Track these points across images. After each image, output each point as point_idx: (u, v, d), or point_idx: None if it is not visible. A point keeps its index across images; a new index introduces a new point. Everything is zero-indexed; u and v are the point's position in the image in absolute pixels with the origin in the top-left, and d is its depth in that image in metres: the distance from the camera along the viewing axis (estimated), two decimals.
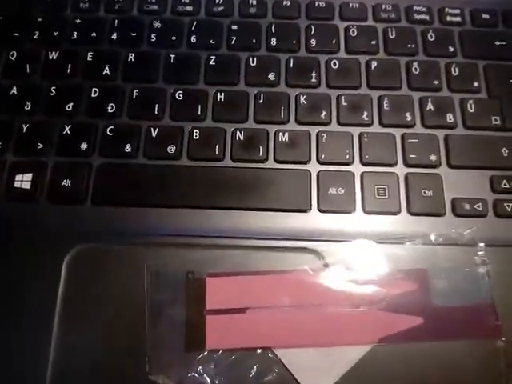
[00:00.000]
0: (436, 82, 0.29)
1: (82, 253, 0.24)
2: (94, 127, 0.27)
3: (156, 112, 0.27)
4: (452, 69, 0.29)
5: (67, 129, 0.27)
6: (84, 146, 0.26)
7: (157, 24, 0.30)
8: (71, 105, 0.27)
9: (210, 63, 0.29)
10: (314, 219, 0.26)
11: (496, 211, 0.26)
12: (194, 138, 0.27)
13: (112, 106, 0.27)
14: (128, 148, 0.26)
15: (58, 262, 0.24)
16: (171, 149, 0.27)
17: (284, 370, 0.23)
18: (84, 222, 0.25)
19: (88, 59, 0.29)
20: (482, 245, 0.25)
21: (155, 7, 0.30)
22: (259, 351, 0.23)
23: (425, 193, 0.26)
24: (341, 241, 0.25)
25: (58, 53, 0.29)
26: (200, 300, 0.24)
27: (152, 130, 0.27)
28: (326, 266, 0.25)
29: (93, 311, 0.24)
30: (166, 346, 0.23)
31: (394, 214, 0.26)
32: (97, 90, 0.28)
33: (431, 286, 0.24)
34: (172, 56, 0.29)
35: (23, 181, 0.26)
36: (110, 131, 0.27)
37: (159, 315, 0.24)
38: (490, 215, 0.26)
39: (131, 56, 0.29)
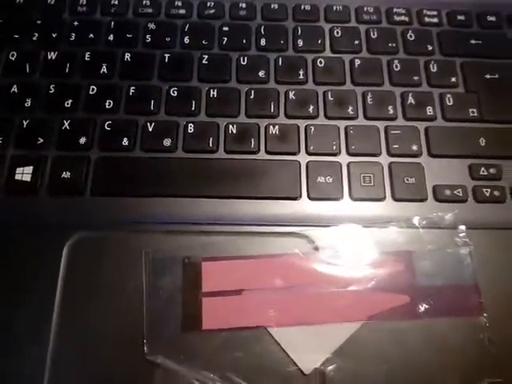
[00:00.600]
0: (416, 78, 0.31)
1: (82, 240, 0.25)
2: (93, 122, 0.28)
3: (152, 107, 0.29)
4: (431, 66, 0.31)
5: (66, 124, 0.28)
6: (83, 140, 0.28)
7: (151, 26, 0.31)
8: (70, 101, 0.29)
9: (203, 62, 0.30)
10: (304, 206, 0.27)
11: (475, 197, 0.28)
12: (189, 131, 0.28)
13: (110, 103, 0.29)
14: (125, 142, 0.28)
15: (59, 249, 0.25)
16: (167, 142, 0.28)
17: (278, 348, 0.24)
18: (83, 212, 0.26)
19: (86, 59, 0.30)
20: (463, 227, 0.26)
21: (150, 10, 0.32)
22: (253, 331, 0.24)
23: (407, 180, 0.28)
24: (329, 226, 0.26)
25: (56, 53, 0.30)
26: (196, 283, 0.25)
27: (148, 124, 0.28)
28: (316, 249, 0.26)
29: (92, 296, 0.24)
30: (164, 327, 0.24)
31: (380, 200, 0.27)
32: (94, 87, 0.29)
33: (416, 266, 0.26)
34: (166, 55, 0.30)
35: (24, 173, 0.27)
36: (108, 126, 0.28)
37: (156, 298, 0.25)
38: (470, 200, 0.28)
39: (127, 56, 0.30)
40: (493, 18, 0.33)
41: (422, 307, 0.25)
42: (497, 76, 0.31)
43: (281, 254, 0.26)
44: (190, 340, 0.24)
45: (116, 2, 0.32)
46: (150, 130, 0.28)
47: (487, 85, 0.31)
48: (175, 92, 0.29)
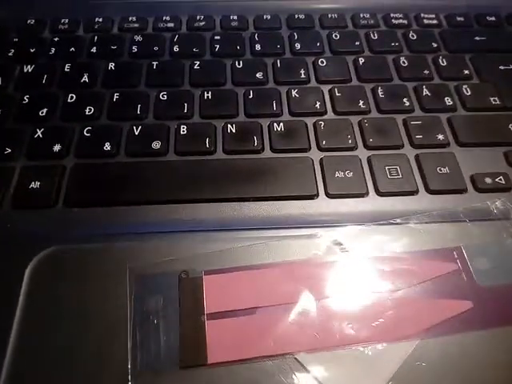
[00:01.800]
0: (427, 72, 0.28)
1: (52, 256, 0.20)
2: (70, 130, 0.24)
3: (139, 112, 0.25)
4: (439, 60, 0.29)
5: (39, 132, 0.24)
6: (57, 147, 0.24)
7: (138, 38, 0.29)
8: (45, 110, 0.25)
9: (195, 68, 0.28)
10: (323, 205, 0.23)
11: None
12: (182, 133, 0.24)
13: (90, 109, 0.25)
14: (107, 147, 0.24)
15: (22, 266, 0.19)
16: (156, 144, 0.24)
17: (311, 381, 0.18)
18: (54, 225, 0.21)
19: (65, 70, 0.27)
20: None
21: (136, 25, 0.30)
22: (276, 360, 0.18)
23: (440, 170, 0.24)
24: (357, 224, 0.22)
25: (33, 66, 0.27)
26: (197, 304, 0.19)
27: (134, 128, 0.25)
28: (344, 251, 0.21)
29: (60, 322, 0.18)
30: (155, 363, 0.18)
31: (412, 193, 0.23)
32: (74, 95, 0.26)
33: (472, 264, 0.21)
34: (154, 63, 0.28)
35: None
36: (88, 132, 0.24)
37: (145, 326, 0.19)
38: None
39: (111, 65, 0.27)
40: (492, 18, 0.32)
41: (489, 313, 0.19)
42: (511, 67, 0.29)
43: (302, 259, 0.21)
44: (192, 379, 0.18)
45: (100, 20, 0.30)
46: (137, 133, 0.24)
47: (503, 75, 0.29)
48: (164, 96, 0.26)
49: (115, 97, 0.26)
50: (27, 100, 0.26)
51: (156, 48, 0.29)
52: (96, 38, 0.29)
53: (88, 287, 0.19)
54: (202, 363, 0.18)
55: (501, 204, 0.22)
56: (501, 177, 0.24)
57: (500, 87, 0.28)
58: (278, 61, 0.28)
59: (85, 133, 0.24)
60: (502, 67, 0.29)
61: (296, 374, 0.18)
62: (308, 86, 0.27)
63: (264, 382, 0.18)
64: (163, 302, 0.19)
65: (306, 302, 0.19)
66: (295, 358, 0.18)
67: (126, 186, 0.23)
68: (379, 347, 0.18)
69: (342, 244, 0.21)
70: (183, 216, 0.22)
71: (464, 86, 0.28)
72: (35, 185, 0.22)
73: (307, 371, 0.18)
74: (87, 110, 0.25)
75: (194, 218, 0.22)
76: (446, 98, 0.27)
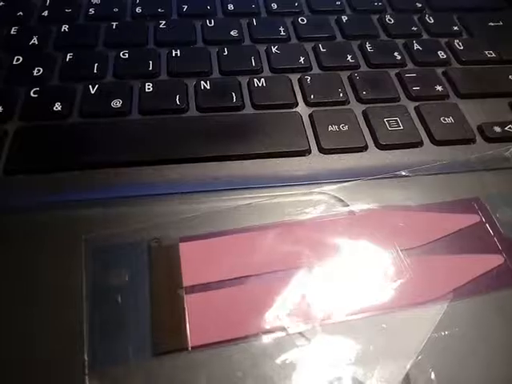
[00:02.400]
0: (414, 29, 0.26)
1: None
2: (13, 92, 0.20)
3: (95, 71, 0.22)
4: (426, 18, 0.27)
5: None
6: None
7: (95, 1, 0.26)
8: None
9: (160, 27, 0.24)
10: (317, 161, 0.19)
11: None
12: (147, 90, 0.21)
13: (39, 70, 0.21)
14: (58, 107, 0.20)
15: None
16: (116, 103, 0.20)
17: (321, 360, 0.14)
18: None
19: (11, 33, 0.23)
20: None
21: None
22: (273, 336, 0.14)
23: (445, 120, 0.21)
24: (358, 179, 0.19)
25: None
26: (172, 276, 0.15)
27: (90, 87, 0.21)
28: (346, 206, 0.17)
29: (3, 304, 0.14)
30: (120, 351, 0.14)
31: (416, 145, 0.20)
32: (20, 57, 0.22)
33: (495, 216, 0.18)
34: (114, 24, 0.24)
35: None
36: (35, 93, 0.20)
37: (107, 305, 0.14)
38: None
39: (64, 27, 0.24)
40: None
41: None
42: (501, 23, 0.27)
43: (297, 220, 0.17)
44: (170, 368, 0.14)
45: None
46: (93, 92, 0.21)
47: (494, 31, 0.27)
48: (126, 55, 0.23)
49: (68, 57, 0.22)
50: None
51: (116, 9, 0.25)
52: (48, 1, 0.25)
53: (36, 263, 0.15)
54: (182, 347, 0.14)
55: None
56: (510, 125, 0.21)
57: (493, 42, 0.26)
58: (254, 19, 0.26)
59: (31, 94, 0.20)
60: (491, 24, 0.27)
61: (304, 352, 0.14)
62: (289, 43, 0.25)
63: (264, 364, 0.14)
64: (129, 276, 0.15)
65: (306, 268, 0.16)
66: (299, 333, 0.14)
67: (81, 149, 0.19)
68: (402, 316, 0.15)
69: (342, 200, 0.18)
70: (151, 179, 0.18)
71: (456, 41, 0.25)
72: None
73: (317, 348, 0.14)
74: (35, 71, 0.21)
75: (164, 180, 0.18)
76: (438, 52, 0.25)
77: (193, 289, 0.15)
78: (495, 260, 0.16)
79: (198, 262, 0.16)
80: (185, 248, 0.16)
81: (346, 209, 0.17)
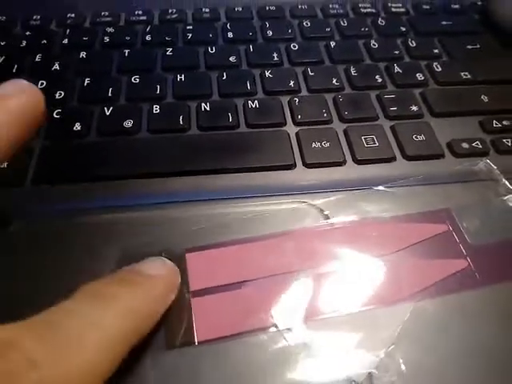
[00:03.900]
0: (396, 52, 0.29)
1: (23, 231, 0.19)
2: None
3: (110, 94, 0.25)
4: (409, 42, 0.29)
5: None
6: None
7: (110, 30, 0.29)
8: None
9: (167, 54, 0.28)
10: (301, 174, 0.22)
11: (497, 148, 0.24)
12: (154, 112, 0.24)
13: (60, 94, 0.25)
14: (77, 127, 0.23)
15: None
16: (128, 123, 0.23)
17: (308, 351, 0.16)
18: (23, 201, 0.20)
19: (36, 60, 0.27)
20: (498, 172, 0.22)
21: (108, 19, 0.30)
22: (270, 332, 0.17)
23: (416, 137, 0.24)
24: (337, 191, 0.21)
25: (3, 58, 0.27)
26: (181, 283, 0.18)
27: (105, 109, 0.24)
28: (328, 218, 0.20)
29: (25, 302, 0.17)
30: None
31: (389, 160, 0.23)
32: (44, 82, 0.25)
33: (462, 225, 0.20)
34: (126, 51, 0.28)
35: None
36: (57, 114, 0.24)
37: None
38: (492, 153, 0.24)
39: (83, 54, 0.27)
40: (457, 6, 0.33)
41: (485, 271, 0.19)
42: (478, 46, 0.30)
43: (287, 230, 0.20)
44: (181, 359, 0.16)
45: (72, 15, 0.30)
46: (108, 113, 0.24)
47: (472, 53, 0.29)
48: (137, 80, 0.26)
49: (86, 82, 0.25)
50: None
51: (128, 38, 0.29)
52: (68, 31, 0.29)
53: (52, 266, 0.18)
54: (191, 342, 0.17)
55: (483, 165, 0.22)
56: (477, 141, 0.24)
57: (469, 64, 0.28)
58: (251, 46, 0.29)
59: (54, 115, 0.24)
60: (469, 46, 0.30)
61: (292, 344, 0.17)
62: (281, 68, 0.28)
63: (258, 355, 0.16)
64: None
65: (297, 273, 0.18)
66: (289, 329, 0.17)
67: (97, 163, 0.22)
68: (376, 312, 0.17)
69: (323, 210, 0.20)
70: (157, 189, 0.21)
71: (435, 63, 0.28)
72: (1, 165, 0.21)
73: (303, 341, 0.17)
74: (57, 95, 0.25)
75: (167, 191, 0.21)
76: (417, 74, 0.27)
77: (198, 293, 0.18)
78: (459, 264, 0.19)
79: (203, 269, 0.18)
80: (190, 258, 0.19)
81: (328, 221, 0.20)
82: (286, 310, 0.17)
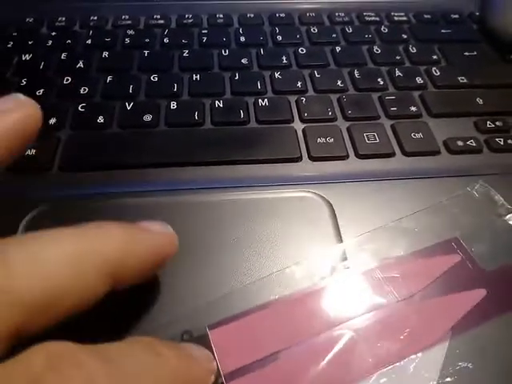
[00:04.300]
0: (398, 58, 0.31)
1: (44, 214, 0.21)
2: (64, 106, 0.26)
3: (130, 91, 0.27)
4: (410, 48, 0.31)
5: None
6: (53, 121, 0.25)
7: (130, 32, 0.31)
8: (41, 91, 0.26)
9: (184, 55, 0.30)
10: (307, 166, 0.24)
11: (490, 146, 0.25)
12: (172, 108, 0.26)
13: (84, 89, 0.27)
14: (101, 120, 0.25)
15: (15, 224, 0.20)
16: (147, 117, 0.25)
17: None
18: (48, 186, 0.22)
19: (62, 58, 0.29)
20: (495, 192, 0.23)
21: (128, 22, 0.32)
22: None
23: (414, 135, 0.25)
24: (340, 182, 0.23)
25: (30, 55, 0.29)
26: None
27: (126, 104, 0.26)
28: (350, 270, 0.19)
29: None
30: None
31: (389, 155, 0.25)
32: (69, 78, 0.27)
33: (472, 252, 0.20)
34: (146, 52, 0.30)
35: None
36: (82, 108, 0.26)
37: None
38: (486, 151, 0.25)
39: (105, 54, 0.29)
40: (456, 16, 0.35)
41: (504, 297, 0.19)
42: (475, 53, 0.32)
43: (312, 285, 0.19)
44: None
45: (95, 18, 0.32)
46: (129, 108, 0.26)
47: (469, 60, 0.31)
48: (155, 78, 0.28)
49: (108, 79, 0.27)
50: (25, 83, 0.27)
51: (147, 40, 0.31)
52: (91, 32, 0.31)
53: None
54: None
55: (480, 187, 0.23)
56: (472, 140, 0.25)
57: (466, 69, 0.30)
58: (262, 49, 0.31)
59: (79, 108, 0.26)
60: (466, 53, 0.32)
61: None
62: (290, 70, 0.29)
63: None
64: None
65: (328, 332, 0.17)
66: None
67: (117, 153, 0.24)
68: (414, 359, 0.17)
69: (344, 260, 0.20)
70: (173, 178, 0.23)
71: (433, 68, 0.30)
72: (31, 152, 0.23)
73: None
74: (82, 90, 0.27)
75: (182, 179, 0.23)
76: (417, 78, 0.29)
77: (232, 375, 0.16)
78: (479, 293, 0.19)
79: (231, 346, 0.17)
80: (215, 335, 0.17)
81: (349, 271, 0.20)
82: (325, 376, 0.16)
